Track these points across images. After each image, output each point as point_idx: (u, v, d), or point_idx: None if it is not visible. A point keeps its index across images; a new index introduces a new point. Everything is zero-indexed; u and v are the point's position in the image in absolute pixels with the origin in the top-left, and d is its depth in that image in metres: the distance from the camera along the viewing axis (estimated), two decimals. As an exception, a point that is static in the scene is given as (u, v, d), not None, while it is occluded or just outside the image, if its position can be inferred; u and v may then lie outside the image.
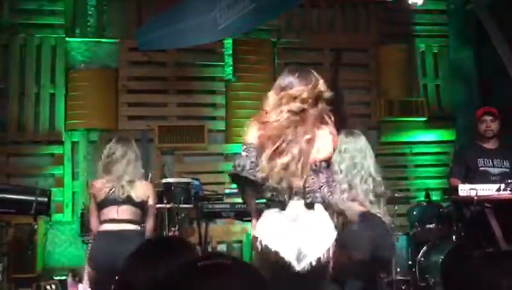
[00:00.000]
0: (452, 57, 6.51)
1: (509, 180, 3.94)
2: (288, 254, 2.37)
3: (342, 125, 6.23)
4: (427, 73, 6.57)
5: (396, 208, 5.02)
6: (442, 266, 4.46)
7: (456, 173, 4.45)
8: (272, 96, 2.55)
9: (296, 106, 2.47)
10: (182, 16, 4.98)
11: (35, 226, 4.97)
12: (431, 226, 4.87)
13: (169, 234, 4.42)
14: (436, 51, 6.61)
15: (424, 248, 4.78)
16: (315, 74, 2.59)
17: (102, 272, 3.18)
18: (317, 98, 2.51)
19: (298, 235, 2.40)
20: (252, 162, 2.51)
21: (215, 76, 6.09)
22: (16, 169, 5.59)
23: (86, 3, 5.88)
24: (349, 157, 3.31)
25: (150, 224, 3.59)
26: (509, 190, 3.87)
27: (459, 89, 6.38)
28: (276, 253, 2.37)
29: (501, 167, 4.37)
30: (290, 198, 2.45)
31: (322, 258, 2.38)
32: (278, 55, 6.26)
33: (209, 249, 4.95)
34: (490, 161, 4.37)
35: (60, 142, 5.67)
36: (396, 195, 5.14)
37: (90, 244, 3.67)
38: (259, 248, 2.42)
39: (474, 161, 4.34)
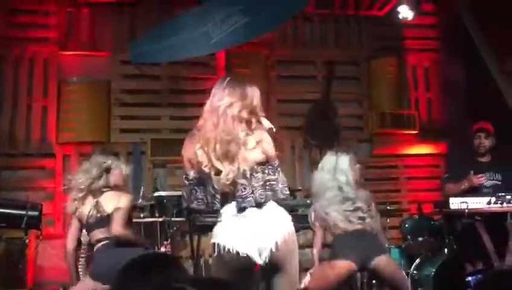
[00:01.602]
0: (443, 70, 6.58)
1: (500, 193, 3.97)
2: (250, 250, 2.44)
3: (335, 138, 6.35)
4: (419, 86, 6.63)
5: (388, 220, 5.03)
6: (435, 278, 4.46)
7: (451, 181, 4.48)
8: (205, 108, 2.70)
9: (224, 115, 2.57)
10: (175, 30, 5.02)
11: (26, 241, 4.93)
12: (423, 238, 4.87)
13: (162, 247, 4.39)
14: (426, 65, 6.67)
15: (417, 260, 4.78)
16: (250, 87, 2.66)
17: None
18: (248, 110, 2.58)
19: (250, 230, 2.48)
20: (192, 189, 2.57)
21: (209, 89, 6.07)
22: (7, 182, 5.55)
23: (79, 17, 5.90)
24: (320, 177, 3.37)
25: None
26: (500, 203, 3.90)
27: (450, 102, 6.44)
28: (238, 253, 2.44)
29: (493, 180, 4.42)
30: (222, 205, 2.54)
31: (276, 247, 2.45)
32: (271, 68, 6.30)
33: (201, 263, 4.93)
34: (483, 173, 4.41)
35: (52, 155, 5.65)
36: (388, 208, 5.17)
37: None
38: (221, 251, 2.48)
39: (467, 172, 4.38)
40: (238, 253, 2.44)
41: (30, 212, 3.99)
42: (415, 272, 4.70)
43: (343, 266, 3.21)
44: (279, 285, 2.51)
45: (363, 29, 6.53)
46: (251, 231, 2.47)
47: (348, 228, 3.30)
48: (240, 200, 2.50)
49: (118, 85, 5.89)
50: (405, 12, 5.70)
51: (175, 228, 4.64)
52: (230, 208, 2.54)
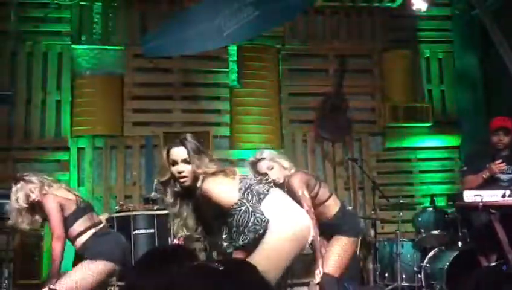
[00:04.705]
0: (457, 62, 6.50)
1: None
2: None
3: (347, 131, 6.32)
4: (432, 79, 6.57)
5: (401, 214, 5.01)
6: (448, 272, 4.44)
7: (470, 173, 4.44)
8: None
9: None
10: (187, 23, 5.01)
11: (42, 233, 5.00)
12: (436, 232, 4.85)
13: (175, 240, 4.42)
14: (440, 57, 6.61)
15: (430, 254, 4.76)
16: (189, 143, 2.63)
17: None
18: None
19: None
20: None
21: (220, 82, 6.12)
22: (22, 175, 5.62)
23: (92, 10, 5.93)
24: None
25: None
26: (515, 196, 3.85)
27: (464, 94, 6.37)
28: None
29: (510, 173, 4.37)
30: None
31: None
32: (283, 61, 6.28)
33: (214, 256, 4.95)
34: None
35: (66, 149, 5.71)
36: (401, 201, 5.15)
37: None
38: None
39: (485, 166, 4.34)
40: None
41: (45, 205, 4.02)
42: (428, 265, 4.69)
43: None
44: None
45: (375, 21, 6.48)
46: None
47: None
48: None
49: (131, 78, 5.92)
50: (419, 4, 5.63)
51: (188, 221, 4.65)
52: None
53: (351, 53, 6.30)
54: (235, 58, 6.13)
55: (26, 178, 3.27)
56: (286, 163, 3.39)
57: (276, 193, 2.65)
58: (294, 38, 6.32)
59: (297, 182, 3.26)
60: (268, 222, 2.46)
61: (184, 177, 2.56)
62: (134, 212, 4.61)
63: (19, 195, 3.22)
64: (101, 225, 3.37)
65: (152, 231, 4.50)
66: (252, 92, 6.11)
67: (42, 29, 5.83)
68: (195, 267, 1.45)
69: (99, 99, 5.76)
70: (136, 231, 4.49)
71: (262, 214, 2.47)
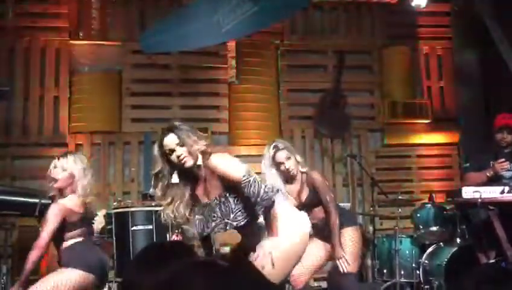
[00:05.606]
0: (456, 58, 6.49)
1: None
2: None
3: (346, 127, 6.32)
4: (431, 75, 6.56)
5: (400, 210, 5.01)
6: (446, 268, 4.44)
7: (471, 170, 4.44)
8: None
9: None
10: (185, 19, 5.00)
11: (40, 229, 4.98)
12: (435, 228, 4.85)
13: (173, 236, 4.42)
14: (440, 53, 6.59)
15: (428, 250, 4.77)
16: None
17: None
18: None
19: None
20: None
21: (219, 78, 6.10)
22: (20, 171, 5.61)
23: (90, 6, 5.90)
24: None
25: None
26: (514, 192, 3.85)
27: (463, 90, 6.36)
28: None
29: None
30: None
31: None
32: (281, 57, 6.27)
33: (213, 252, 4.95)
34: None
35: (64, 145, 5.69)
36: (400, 197, 5.14)
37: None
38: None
39: (488, 163, 4.34)
40: None
41: (43, 201, 4.02)
42: (426, 261, 4.69)
43: None
44: None
45: (374, 17, 6.46)
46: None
47: None
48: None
49: (129, 74, 5.90)
50: (418, 0, 5.62)
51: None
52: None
53: (350, 49, 6.28)
54: (234, 54, 6.11)
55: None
56: (299, 157, 3.50)
57: (280, 195, 2.72)
58: (293, 34, 6.30)
59: (327, 187, 3.47)
60: (278, 191, 2.58)
61: (184, 158, 2.61)
62: (132, 209, 4.61)
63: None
64: (88, 237, 3.26)
65: (150, 227, 4.50)
66: (250, 88, 6.09)
67: (40, 24, 5.81)
68: (202, 264, 1.43)
69: (98, 95, 5.74)
70: (135, 227, 4.49)
71: (271, 184, 2.61)
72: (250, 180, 2.54)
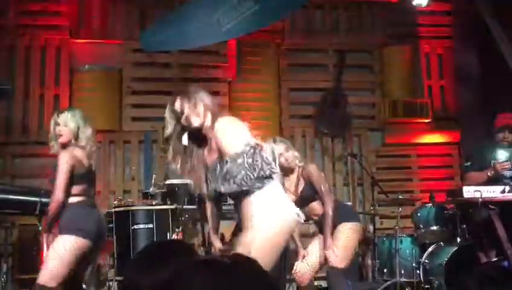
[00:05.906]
0: (457, 57, 6.48)
1: None
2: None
3: (346, 126, 6.31)
4: (432, 74, 6.55)
5: (400, 209, 5.00)
6: (447, 268, 4.44)
7: (472, 169, 4.44)
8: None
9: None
10: (186, 18, 4.99)
11: (40, 227, 4.98)
12: (435, 228, 4.84)
13: (173, 235, 4.42)
14: (440, 52, 6.58)
15: (429, 249, 4.76)
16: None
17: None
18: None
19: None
20: None
21: (219, 77, 6.10)
22: (20, 170, 5.61)
23: (90, 4, 5.90)
24: None
25: None
26: (515, 192, 3.85)
27: (464, 90, 6.35)
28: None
29: None
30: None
31: None
32: (282, 56, 6.26)
33: (213, 251, 4.95)
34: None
35: (64, 144, 5.68)
36: (400, 197, 5.14)
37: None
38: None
39: (489, 163, 4.33)
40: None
41: (43, 199, 4.01)
42: (427, 261, 4.68)
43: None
44: None
45: (375, 16, 6.46)
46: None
47: None
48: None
49: (130, 73, 5.90)
50: (419, -1, 5.62)
51: (186, 216, 4.65)
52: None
53: (350, 48, 6.29)
54: (235, 53, 6.11)
55: None
56: (296, 153, 3.65)
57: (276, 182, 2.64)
58: (294, 33, 6.29)
59: (322, 178, 3.53)
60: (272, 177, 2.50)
61: (189, 119, 2.64)
62: (133, 207, 4.60)
63: None
64: (89, 198, 3.23)
65: (151, 226, 4.49)
66: (251, 87, 6.09)
67: (40, 23, 5.80)
68: (202, 263, 1.43)
69: (98, 94, 5.73)
70: (135, 226, 4.48)
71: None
72: (251, 151, 2.47)
